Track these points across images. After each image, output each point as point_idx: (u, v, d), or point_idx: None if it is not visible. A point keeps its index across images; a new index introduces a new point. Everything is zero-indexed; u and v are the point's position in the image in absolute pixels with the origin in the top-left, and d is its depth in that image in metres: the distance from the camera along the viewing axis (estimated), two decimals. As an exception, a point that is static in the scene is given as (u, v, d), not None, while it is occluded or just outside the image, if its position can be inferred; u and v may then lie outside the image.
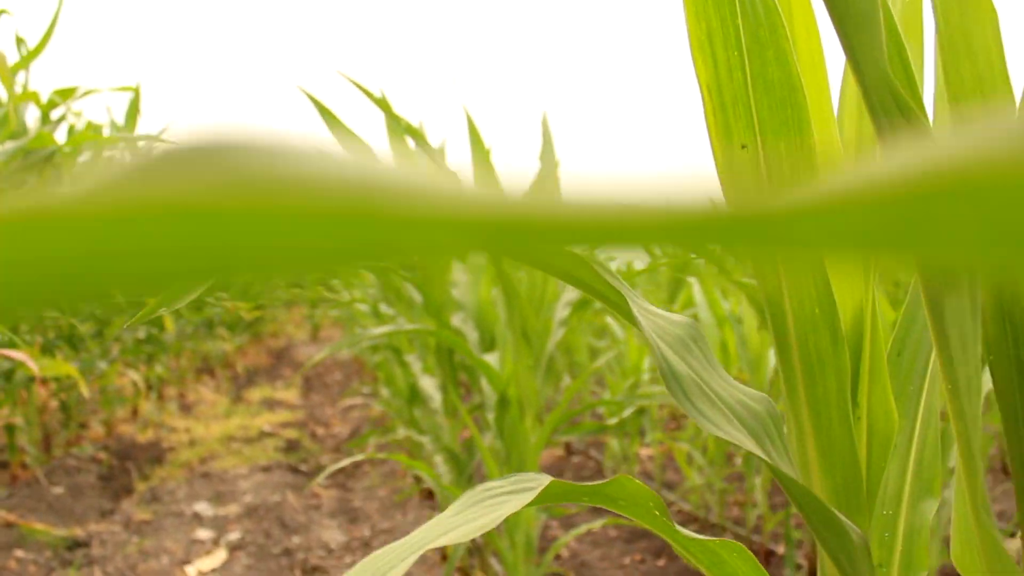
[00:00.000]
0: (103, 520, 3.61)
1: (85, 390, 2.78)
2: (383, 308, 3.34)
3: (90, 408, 4.93)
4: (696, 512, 3.24)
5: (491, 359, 2.17)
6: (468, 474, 2.56)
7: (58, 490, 3.82)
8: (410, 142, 2.24)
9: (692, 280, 2.97)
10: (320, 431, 6.09)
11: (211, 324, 8.34)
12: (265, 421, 6.18)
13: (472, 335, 2.48)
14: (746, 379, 2.53)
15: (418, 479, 3.48)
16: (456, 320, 2.56)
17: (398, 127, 2.16)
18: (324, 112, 1.98)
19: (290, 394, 8.15)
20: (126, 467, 4.51)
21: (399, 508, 3.73)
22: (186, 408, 6.78)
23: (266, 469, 4.48)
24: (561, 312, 2.09)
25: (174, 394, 7.04)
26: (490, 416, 2.11)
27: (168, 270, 0.14)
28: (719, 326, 2.76)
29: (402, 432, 3.22)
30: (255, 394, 7.95)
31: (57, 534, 3.32)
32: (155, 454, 4.90)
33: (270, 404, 7.36)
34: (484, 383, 2.21)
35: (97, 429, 5.20)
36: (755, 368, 2.54)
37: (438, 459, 2.69)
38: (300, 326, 22.02)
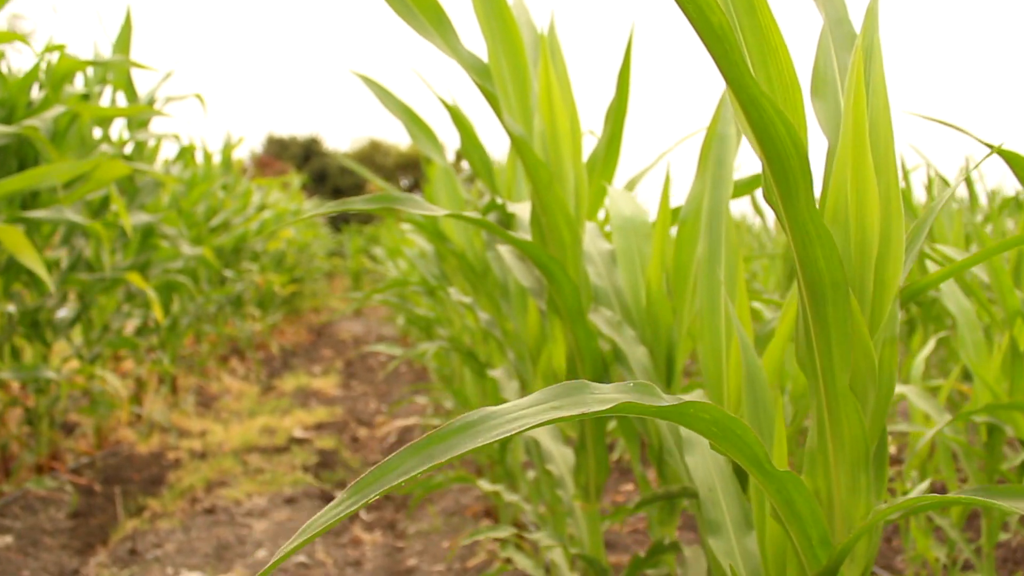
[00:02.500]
0: (58, 590, 2.57)
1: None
2: (454, 293, 2.27)
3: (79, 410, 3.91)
4: None
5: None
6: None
7: (6, 539, 2.79)
8: None
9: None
10: (362, 433, 5.02)
11: (239, 302, 7.32)
12: (296, 422, 5.12)
13: (635, 352, 1.34)
14: None
15: (509, 559, 2.34)
16: (598, 321, 1.43)
17: None
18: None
19: (329, 381, 7.11)
20: (112, 494, 3.48)
21: None
22: (206, 402, 5.76)
23: (290, 501, 3.42)
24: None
25: (192, 384, 6.03)
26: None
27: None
28: None
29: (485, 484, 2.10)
30: (289, 382, 6.92)
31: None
32: (154, 474, 3.86)
33: (305, 396, 6.32)
34: (695, 460, 1.07)
35: (86, 439, 4.18)
36: None
37: (556, 555, 1.57)
38: (343, 299, 21.12)
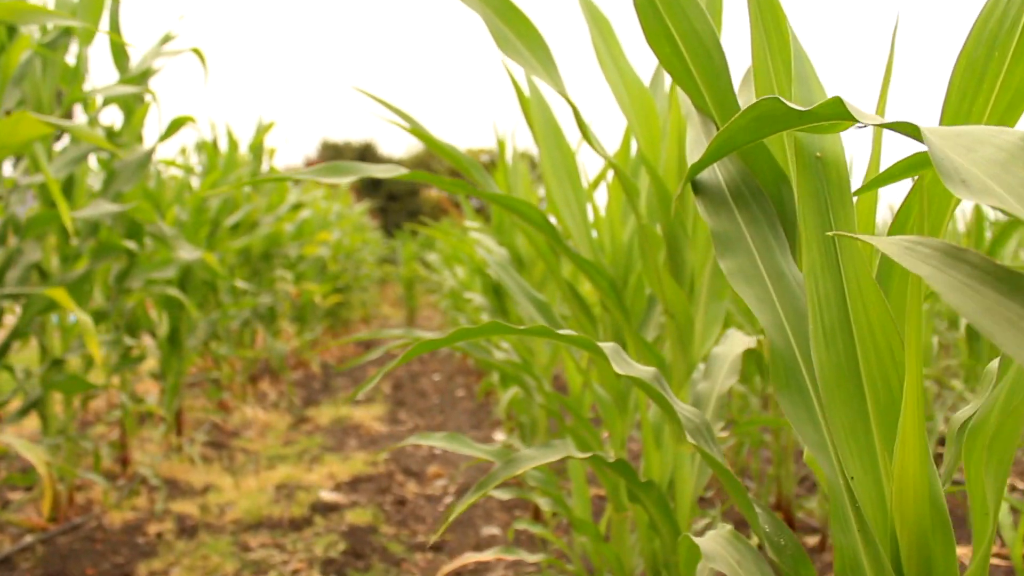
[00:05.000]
0: None
1: None
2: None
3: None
4: None
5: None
6: None
7: None
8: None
9: None
10: (410, 489, 3.89)
11: (271, 315, 6.27)
12: (326, 475, 4.01)
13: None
14: None
15: None
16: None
17: None
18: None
19: (372, 412, 6.01)
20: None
21: None
22: (222, 440, 4.69)
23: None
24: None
25: (205, 418, 4.98)
26: None
27: None
28: None
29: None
30: (325, 412, 5.84)
31: None
32: (117, 565, 2.78)
33: (342, 433, 5.21)
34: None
35: (36, 505, 3.12)
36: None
37: None
38: (396, 305, 20.14)
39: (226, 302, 5.03)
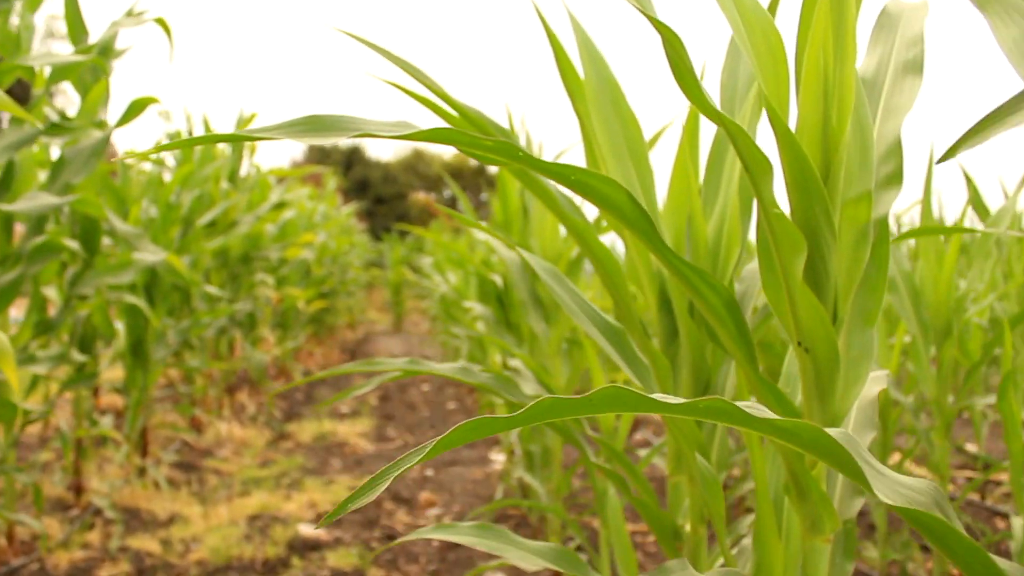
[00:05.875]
0: None
1: None
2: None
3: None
4: None
5: None
6: None
7: None
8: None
9: None
10: (401, 520, 3.47)
11: (251, 323, 5.83)
12: (307, 504, 3.58)
13: None
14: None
15: None
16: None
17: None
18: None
19: (358, 426, 5.58)
20: None
21: None
22: (193, 460, 4.26)
23: None
24: None
25: (174, 437, 4.54)
26: None
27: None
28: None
29: None
30: (307, 428, 5.40)
31: None
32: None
33: (325, 451, 4.79)
34: None
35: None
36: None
37: None
38: (383, 310, 19.64)
39: (201, 309, 4.60)
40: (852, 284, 0.89)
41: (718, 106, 1.09)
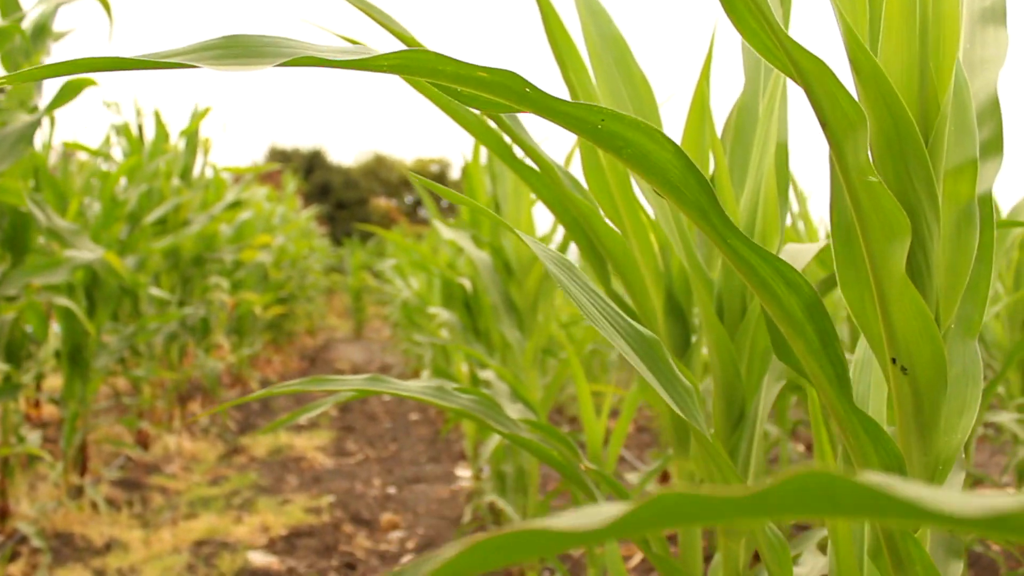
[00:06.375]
0: None
1: None
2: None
3: None
4: None
5: None
6: None
7: None
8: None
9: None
10: (360, 544, 3.22)
11: (204, 328, 5.52)
12: (259, 527, 3.31)
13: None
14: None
15: None
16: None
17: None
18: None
19: (316, 440, 5.30)
20: None
21: None
22: (139, 476, 3.95)
23: None
24: None
25: (117, 452, 4.23)
26: None
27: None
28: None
29: None
30: (262, 441, 5.11)
31: None
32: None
33: (281, 467, 4.51)
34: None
35: None
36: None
37: None
38: (343, 316, 19.24)
39: (149, 313, 4.30)
40: (960, 282, 0.68)
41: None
